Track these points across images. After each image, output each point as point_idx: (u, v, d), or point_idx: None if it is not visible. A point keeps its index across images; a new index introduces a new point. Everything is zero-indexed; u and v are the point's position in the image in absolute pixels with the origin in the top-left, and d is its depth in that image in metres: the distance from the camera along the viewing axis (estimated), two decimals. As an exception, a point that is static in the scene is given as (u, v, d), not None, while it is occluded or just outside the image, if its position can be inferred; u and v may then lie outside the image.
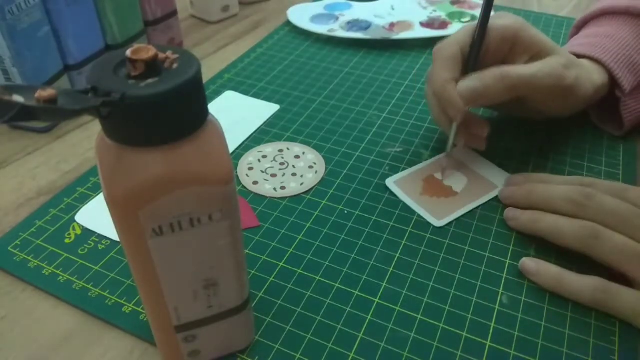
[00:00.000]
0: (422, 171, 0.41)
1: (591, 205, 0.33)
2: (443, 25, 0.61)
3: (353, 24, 0.62)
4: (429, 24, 0.62)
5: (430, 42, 0.60)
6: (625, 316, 0.30)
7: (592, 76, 0.41)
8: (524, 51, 0.39)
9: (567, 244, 0.33)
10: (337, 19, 0.63)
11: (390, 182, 0.40)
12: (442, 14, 0.64)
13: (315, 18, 0.64)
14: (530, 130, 0.46)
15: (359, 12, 0.65)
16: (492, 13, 0.38)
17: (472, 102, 0.37)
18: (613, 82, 0.42)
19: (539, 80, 0.37)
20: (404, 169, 0.42)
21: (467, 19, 0.63)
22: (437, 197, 0.39)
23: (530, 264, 0.33)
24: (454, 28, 0.61)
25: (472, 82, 0.37)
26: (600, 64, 0.42)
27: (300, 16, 0.64)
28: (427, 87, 0.41)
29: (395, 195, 0.39)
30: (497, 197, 0.39)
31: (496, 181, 0.40)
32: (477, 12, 0.64)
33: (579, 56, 0.43)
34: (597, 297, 0.31)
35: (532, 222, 0.35)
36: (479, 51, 0.38)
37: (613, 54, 0.42)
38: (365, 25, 0.62)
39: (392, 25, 0.62)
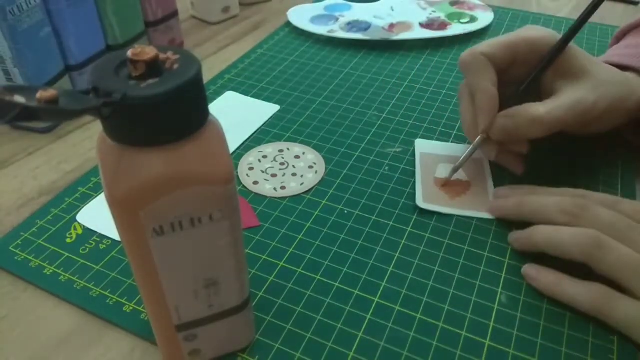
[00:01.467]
0: (427, 179, 0.41)
1: (586, 217, 0.32)
2: (442, 26, 0.62)
3: (353, 25, 0.62)
4: (428, 24, 0.62)
5: (429, 43, 0.60)
6: (624, 327, 0.29)
7: (636, 93, 0.39)
8: (554, 68, 0.37)
9: (569, 254, 0.31)
10: (337, 19, 0.64)
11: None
12: (441, 15, 0.64)
13: (315, 19, 0.64)
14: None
15: (359, 13, 0.65)
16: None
17: (502, 139, 0.37)
18: None
19: (567, 118, 0.36)
20: (403, 170, 0.42)
21: (467, 19, 0.63)
22: (463, 194, 0.39)
23: (531, 270, 0.33)
24: (454, 29, 0.61)
25: (507, 121, 0.36)
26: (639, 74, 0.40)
27: (301, 17, 0.64)
28: (461, 103, 0.41)
29: (396, 196, 0.39)
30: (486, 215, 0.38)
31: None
32: (476, 13, 0.64)
33: (618, 66, 0.41)
34: (597, 306, 0.30)
35: (528, 237, 0.34)
36: (550, 64, 0.37)
37: None
38: (365, 26, 0.62)
39: (391, 26, 0.62)
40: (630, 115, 0.40)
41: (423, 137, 0.45)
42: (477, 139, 0.38)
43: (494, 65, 0.37)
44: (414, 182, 0.41)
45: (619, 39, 0.48)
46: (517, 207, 0.36)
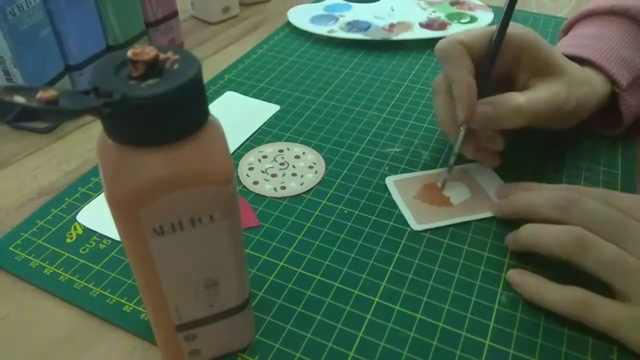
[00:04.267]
0: (426, 177, 0.41)
1: (575, 210, 0.31)
2: (442, 26, 0.62)
3: (353, 25, 0.62)
4: (428, 24, 0.62)
5: (429, 43, 0.60)
6: (605, 329, 0.29)
7: (597, 91, 0.40)
8: (529, 62, 0.38)
9: (551, 252, 0.31)
10: (337, 19, 0.64)
11: (389, 181, 0.40)
12: (441, 15, 0.64)
13: (315, 19, 0.64)
14: (528, 135, 0.46)
15: (359, 13, 0.65)
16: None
17: (482, 126, 0.37)
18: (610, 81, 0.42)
19: (544, 110, 0.37)
20: (403, 169, 0.42)
21: (467, 19, 0.63)
22: (429, 204, 0.38)
23: (514, 276, 0.32)
24: (453, 29, 0.61)
25: (488, 109, 0.37)
26: (596, 67, 0.41)
27: (301, 17, 0.64)
28: (435, 98, 0.41)
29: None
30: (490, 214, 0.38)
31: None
32: (476, 13, 0.64)
33: (570, 57, 0.42)
34: (577, 312, 0.29)
35: (515, 234, 0.34)
36: (496, 57, 0.37)
37: (603, 53, 0.42)
38: (365, 26, 0.62)
39: (391, 26, 0.62)
40: (591, 112, 0.42)
41: (423, 137, 0.45)
42: (461, 132, 0.38)
43: (472, 55, 0.37)
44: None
45: (566, 32, 0.50)
46: (512, 204, 0.36)
